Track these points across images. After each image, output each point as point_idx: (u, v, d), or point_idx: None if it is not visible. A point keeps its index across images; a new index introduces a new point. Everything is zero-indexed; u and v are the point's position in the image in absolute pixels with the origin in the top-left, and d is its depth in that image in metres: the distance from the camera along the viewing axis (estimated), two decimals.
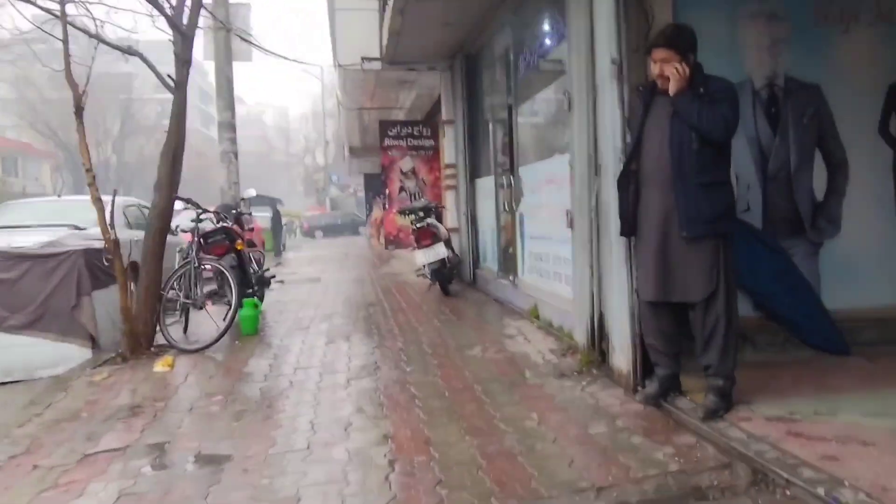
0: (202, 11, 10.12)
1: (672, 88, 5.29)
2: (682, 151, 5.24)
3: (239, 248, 10.70)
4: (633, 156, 5.62)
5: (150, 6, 9.10)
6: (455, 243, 14.49)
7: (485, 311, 11.18)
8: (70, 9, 8.68)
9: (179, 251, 10.70)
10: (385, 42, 14.13)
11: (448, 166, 15.96)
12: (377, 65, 16.00)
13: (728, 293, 5.27)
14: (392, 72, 16.96)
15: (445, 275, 13.05)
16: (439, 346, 8.43)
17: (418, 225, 13.23)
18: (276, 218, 31.99)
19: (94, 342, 8.87)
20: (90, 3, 8.88)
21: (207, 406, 6.50)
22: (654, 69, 5.42)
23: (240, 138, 17.91)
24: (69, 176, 63.00)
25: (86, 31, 8.78)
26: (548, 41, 9.32)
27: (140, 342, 8.76)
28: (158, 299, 9.12)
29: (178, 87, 9.24)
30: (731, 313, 5.29)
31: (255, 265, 11.80)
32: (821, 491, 3.93)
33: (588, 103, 6.75)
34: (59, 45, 8.62)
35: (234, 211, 12.02)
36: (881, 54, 6.95)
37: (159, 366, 8.09)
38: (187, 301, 9.60)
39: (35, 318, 8.57)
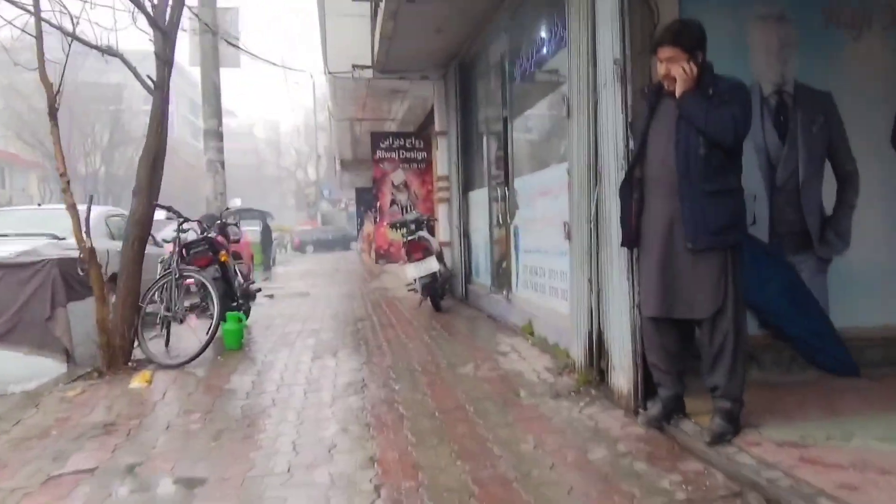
0: (188, 14, 9.83)
1: (678, 89, 4.97)
2: (689, 157, 4.91)
3: (223, 259, 10.36)
4: (636, 162, 5.30)
5: (129, 4, 8.76)
6: (447, 257, 14.31)
7: (477, 327, 10.87)
8: (45, 4, 8.36)
9: (161, 262, 10.40)
10: (377, 48, 13.88)
11: (441, 178, 15.74)
12: (369, 73, 15.77)
13: (736, 310, 4.94)
14: (384, 81, 16.75)
15: (437, 289, 12.75)
16: (429, 364, 8.09)
17: (409, 238, 12.98)
18: (266, 232, 31.84)
19: (69, 356, 8.55)
20: None
21: (185, 424, 6.17)
22: (660, 69, 5.11)
23: (230, 151, 17.72)
24: (56, 186, 62.72)
25: (61, 29, 8.45)
26: (545, 47, 9.06)
27: (117, 356, 8.41)
28: (137, 312, 8.78)
29: (158, 88, 8.90)
30: (739, 331, 4.96)
31: (240, 278, 11.45)
32: None
33: (588, 108, 6.44)
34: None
35: (218, 221, 11.70)
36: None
37: (136, 381, 7.75)
38: (168, 314, 9.27)
39: (7, 329, 8.27)
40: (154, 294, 9.23)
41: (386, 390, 6.98)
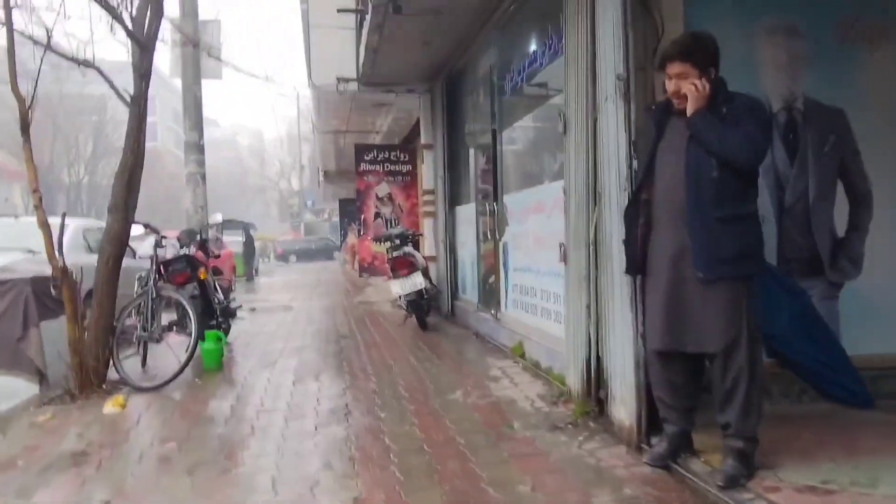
0: (169, 26, 9.55)
1: (689, 108, 4.63)
2: (700, 180, 4.57)
3: (202, 277, 10.07)
4: (643, 184, 4.97)
5: (106, 15, 8.46)
6: (432, 272, 14.02)
7: (465, 347, 10.54)
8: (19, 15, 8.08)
9: (138, 279, 10.09)
10: (362, 61, 13.55)
11: (426, 192, 15.45)
12: (353, 86, 15.47)
13: (751, 343, 4.58)
14: (369, 94, 16.43)
15: (423, 306, 12.46)
16: (416, 389, 7.73)
17: (395, 253, 12.70)
18: (249, 242, 31.78)
19: (42, 377, 8.29)
20: (41, 10, 8.29)
21: (159, 455, 5.83)
22: (669, 86, 4.76)
23: (214, 160, 17.57)
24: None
25: (34, 40, 8.16)
26: (538, 61, 8.75)
27: (90, 378, 8.05)
28: (111, 332, 8.43)
29: (136, 102, 8.55)
30: (754, 366, 4.59)
31: (220, 294, 11.13)
32: None
33: (587, 125, 6.12)
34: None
35: (198, 237, 11.40)
36: None
37: (110, 406, 7.40)
38: (144, 335, 8.93)
39: None
40: (131, 311, 8.94)
41: (371, 419, 6.63)
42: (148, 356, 9.46)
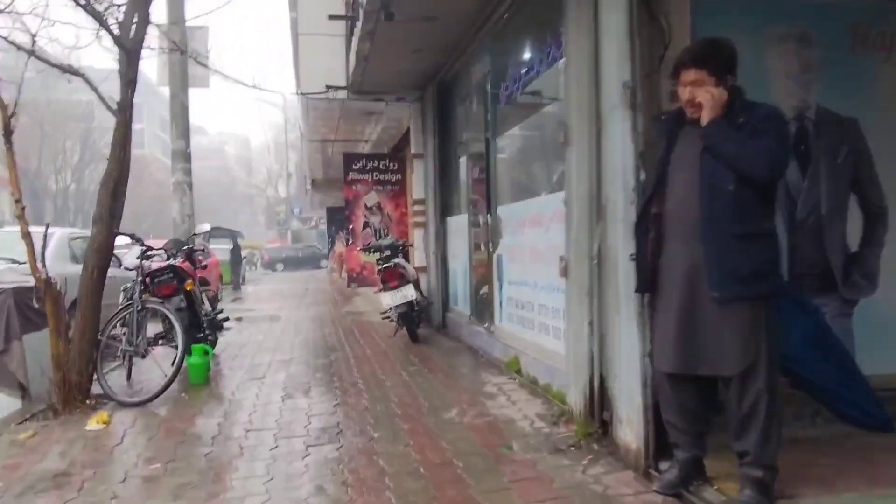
0: (156, 32, 9.36)
1: (704, 117, 4.41)
2: (715, 194, 4.32)
3: (189, 288, 9.84)
4: (653, 197, 4.73)
5: (92, 21, 8.26)
6: (423, 284, 13.81)
7: (458, 361, 10.27)
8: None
9: (124, 290, 9.88)
10: (352, 69, 13.38)
11: (417, 202, 15.24)
12: (343, 93, 15.29)
13: (770, 367, 4.34)
14: (358, 102, 16.23)
15: (413, 318, 12.25)
16: (410, 406, 7.48)
17: (385, 265, 12.44)
18: (236, 251, 31.68)
19: (24, 391, 8.15)
20: (23, 14, 8.10)
21: (144, 476, 5.62)
22: (683, 94, 4.54)
23: (201, 168, 17.45)
24: (27, 203, 62.48)
25: (17, 45, 7.96)
26: (535, 69, 8.55)
27: (73, 394, 7.84)
28: (96, 346, 8.21)
29: (122, 110, 8.33)
30: (773, 391, 4.35)
31: (207, 306, 10.91)
32: None
33: (590, 135, 5.91)
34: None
35: (185, 247, 11.19)
36: None
37: (93, 422, 7.21)
38: (129, 348, 8.69)
39: None
40: (116, 324, 8.71)
41: (363, 439, 6.39)
42: (133, 370, 9.26)
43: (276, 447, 6.25)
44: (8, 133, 7.82)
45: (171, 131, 16.58)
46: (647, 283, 4.79)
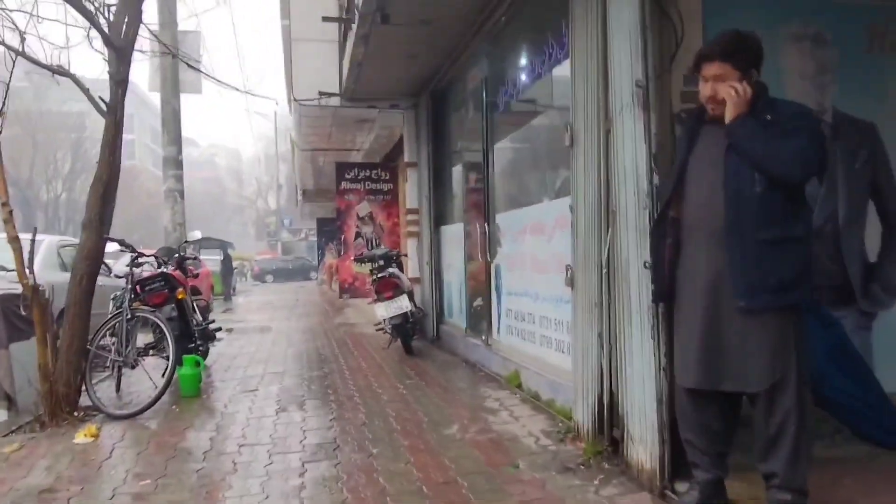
0: (148, 34, 9.19)
1: (728, 114, 4.14)
2: (741, 196, 4.05)
3: (180, 297, 9.61)
4: (671, 200, 4.46)
5: (82, 21, 8.09)
6: (417, 295, 13.59)
7: (455, 374, 10.01)
8: None
9: (113, 298, 9.68)
10: (346, 75, 13.22)
11: (410, 212, 15.06)
12: (335, 101, 15.13)
13: (800, 381, 4.06)
14: (351, 110, 16.17)
15: (408, 330, 12.02)
16: (409, 421, 7.21)
17: (379, 275, 12.22)
18: (227, 262, 31.59)
19: (11, 402, 7.99)
20: (11, 11, 7.91)
21: (133, 494, 5.37)
22: (704, 89, 4.27)
23: (192, 180, 17.32)
24: (18, 212, 62.66)
25: (4, 45, 7.78)
26: (535, 72, 8.36)
27: (61, 405, 7.64)
28: (84, 356, 7.98)
29: (111, 111, 8.12)
30: (803, 408, 4.07)
31: (198, 316, 10.69)
32: None
33: (598, 137, 5.66)
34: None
35: (176, 255, 10.98)
36: None
37: (81, 436, 6.99)
38: (118, 359, 8.45)
39: None
40: (106, 334, 8.47)
41: (362, 455, 6.11)
42: (122, 381, 9.10)
43: (270, 463, 6.00)
44: None
45: (163, 137, 16.45)
46: (665, 292, 4.52)
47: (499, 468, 5.66)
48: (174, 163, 16.27)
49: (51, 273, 10.62)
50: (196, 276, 12.22)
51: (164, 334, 8.51)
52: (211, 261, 28.28)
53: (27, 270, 7.68)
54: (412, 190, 14.82)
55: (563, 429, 6.51)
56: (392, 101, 14.82)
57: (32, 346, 7.83)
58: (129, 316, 8.42)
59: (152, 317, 8.70)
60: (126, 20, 8.19)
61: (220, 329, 11.90)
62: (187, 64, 15.57)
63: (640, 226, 4.94)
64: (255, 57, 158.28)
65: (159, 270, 9.67)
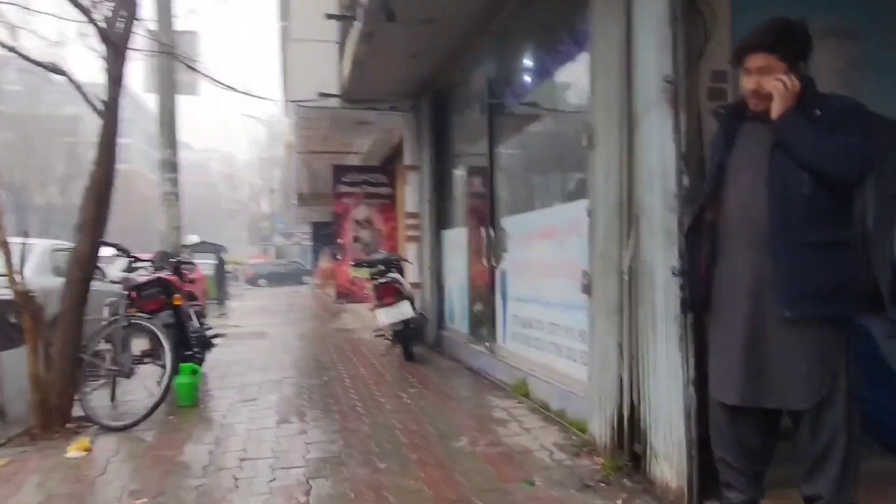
0: (145, 32, 8.98)
1: (776, 109, 3.84)
2: (789, 197, 3.78)
3: (177, 303, 9.34)
4: (707, 202, 4.16)
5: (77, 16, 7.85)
6: (417, 300, 13.32)
7: (458, 383, 9.75)
8: None
9: (108, 304, 9.42)
10: (346, 75, 13.00)
11: (410, 216, 14.76)
12: (334, 101, 14.92)
13: (849, 398, 3.76)
14: (349, 112, 15.98)
15: (409, 336, 11.78)
16: (416, 433, 6.93)
17: (381, 280, 11.99)
18: (221, 266, 31.40)
19: (1, 413, 7.64)
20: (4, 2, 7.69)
21: None
22: (748, 83, 3.97)
23: (186, 184, 17.11)
24: (12, 216, 63.11)
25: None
26: (546, 69, 8.14)
27: (53, 417, 7.36)
28: (77, 365, 7.72)
29: (108, 109, 7.86)
30: (852, 427, 3.78)
31: (195, 322, 10.41)
32: None
33: (621, 137, 5.40)
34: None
35: (172, 259, 10.72)
36: None
37: (74, 449, 6.69)
38: (113, 368, 8.19)
39: None
40: (99, 342, 8.24)
41: (369, 470, 5.82)
42: (117, 390, 8.68)
43: (273, 479, 5.70)
44: None
45: (159, 140, 16.19)
46: (701, 300, 4.22)
47: (513, 484, 5.39)
48: (170, 165, 16.04)
49: (44, 278, 10.40)
50: (192, 281, 11.97)
51: (161, 342, 8.24)
52: (205, 265, 28.18)
53: (17, 276, 7.40)
54: (413, 193, 14.59)
55: (577, 442, 6.24)
56: (393, 102, 14.63)
57: (22, 355, 7.52)
58: (124, 323, 8.19)
59: (149, 324, 8.40)
60: (122, 15, 7.94)
61: (217, 335, 11.66)
62: (185, 64, 15.36)
63: (668, 229, 4.68)
64: (253, 58, 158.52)
65: (156, 276, 9.42)
